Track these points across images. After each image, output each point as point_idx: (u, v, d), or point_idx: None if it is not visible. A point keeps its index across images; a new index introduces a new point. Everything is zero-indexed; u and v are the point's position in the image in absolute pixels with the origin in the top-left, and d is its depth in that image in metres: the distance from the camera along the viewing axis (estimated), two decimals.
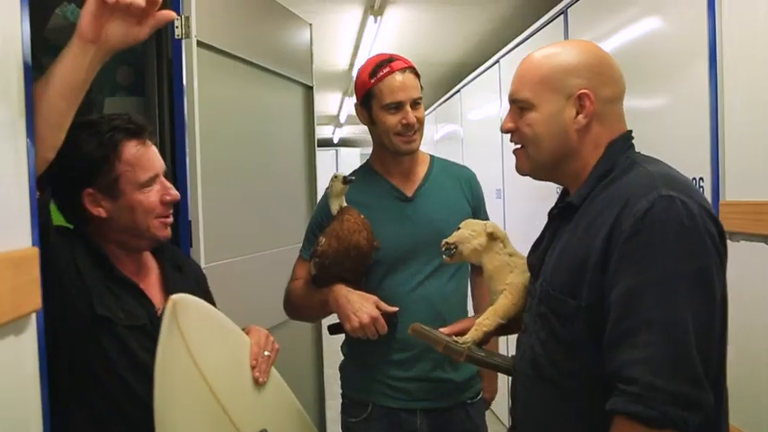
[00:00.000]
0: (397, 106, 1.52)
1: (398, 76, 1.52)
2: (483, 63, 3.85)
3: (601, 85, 1.05)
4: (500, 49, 3.48)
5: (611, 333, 0.94)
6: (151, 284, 1.29)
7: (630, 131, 1.10)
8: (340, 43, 4.32)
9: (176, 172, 1.88)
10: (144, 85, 2.07)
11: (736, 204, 1.58)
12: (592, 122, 1.05)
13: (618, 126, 1.08)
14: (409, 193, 1.60)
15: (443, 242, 1.35)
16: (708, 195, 1.67)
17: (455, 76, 5.19)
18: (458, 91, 4.63)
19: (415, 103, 1.53)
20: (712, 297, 0.94)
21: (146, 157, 1.22)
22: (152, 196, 1.22)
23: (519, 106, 1.10)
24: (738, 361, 1.57)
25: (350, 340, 1.63)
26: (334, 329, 1.53)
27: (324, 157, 10.08)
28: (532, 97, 1.07)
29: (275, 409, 1.31)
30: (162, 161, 1.27)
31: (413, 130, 1.53)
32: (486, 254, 1.33)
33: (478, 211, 1.65)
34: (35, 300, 0.82)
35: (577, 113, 1.05)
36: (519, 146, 1.13)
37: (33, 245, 0.84)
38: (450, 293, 1.57)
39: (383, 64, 1.55)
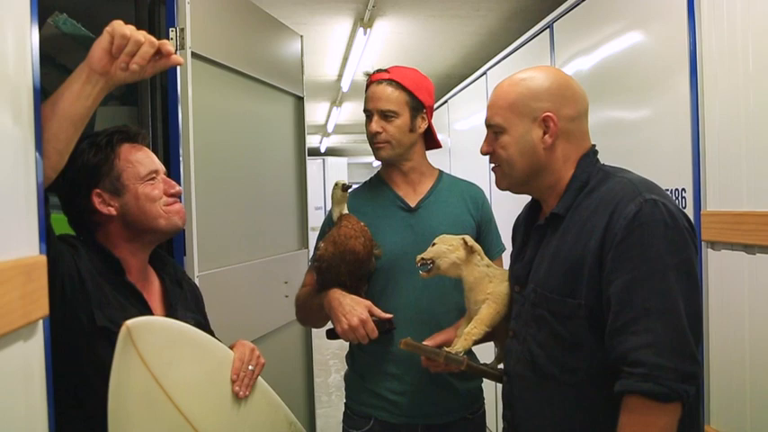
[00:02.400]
0: (368, 115, 1.59)
1: (374, 87, 1.59)
2: (470, 75, 3.90)
3: (562, 106, 1.17)
4: (487, 62, 3.53)
5: (612, 323, 1.05)
6: (153, 296, 1.32)
7: (594, 145, 1.23)
8: (329, 54, 4.37)
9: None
10: (136, 94, 2.09)
11: (716, 214, 1.62)
12: (558, 140, 1.18)
13: (584, 141, 1.21)
14: (413, 204, 1.63)
15: (419, 258, 1.39)
16: (689, 205, 1.71)
17: (443, 87, 5.25)
18: (445, 102, 4.68)
19: (384, 115, 1.57)
20: (696, 284, 1.07)
21: (142, 155, 1.29)
22: (155, 189, 1.28)
23: (493, 131, 1.22)
24: (720, 365, 1.61)
25: (352, 351, 1.66)
26: (330, 334, 1.54)
27: (311, 166, 10.08)
28: (503, 122, 1.20)
29: (263, 422, 1.30)
30: (160, 163, 1.33)
31: (376, 138, 1.58)
32: (466, 266, 1.38)
33: (487, 229, 1.67)
34: (43, 306, 0.84)
35: (544, 134, 1.17)
36: (496, 165, 1.25)
37: (41, 253, 0.87)
38: (451, 305, 1.57)
39: (371, 75, 1.63)
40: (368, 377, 1.60)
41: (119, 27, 0.99)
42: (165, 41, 1.02)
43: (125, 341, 1.07)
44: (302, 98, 2.80)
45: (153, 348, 1.11)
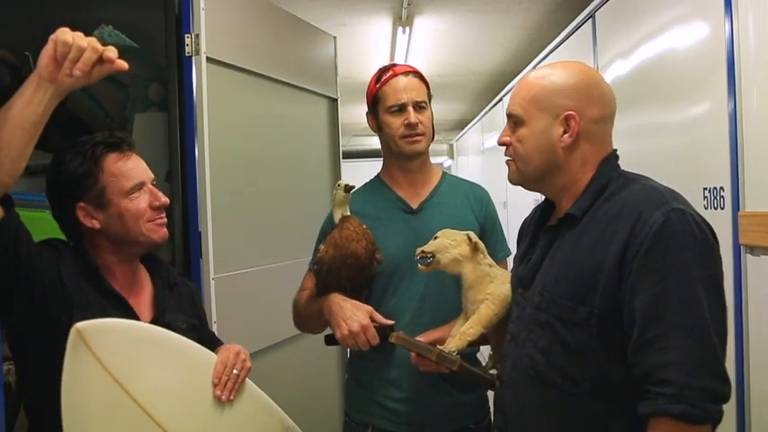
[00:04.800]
0: (400, 108, 1.53)
1: (401, 79, 1.55)
2: (522, 71, 3.78)
3: (588, 106, 1.11)
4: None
5: (638, 338, 0.98)
6: (142, 300, 1.32)
7: (615, 150, 1.16)
8: (374, 55, 4.35)
9: (187, 183, 1.93)
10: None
11: (756, 216, 1.48)
12: (579, 141, 1.11)
13: (606, 145, 1.14)
14: (415, 206, 1.58)
15: (419, 250, 1.35)
16: (728, 206, 1.58)
17: (496, 85, 5.13)
18: (500, 100, 4.57)
19: (418, 106, 1.54)
20: (723, 300, 1.02)
21: (128, 166, 1.27)
22: (141, 203, 1.27)
23: (513, 122, 1.16)
24: (760, 375, 1.49)
25: (351, 358, 1.63)
26: (329, 340, 1.51)
27: (373, 168, 10.09)
28: (523, 114, 1.14)
29: (252, 427, 1.28)
30: (148, 171, 1.32)
31: (415, 130, 1.53)
32: (468, 263, 1.33)
33: (491, 231, 1.60)
34: None
35: (564, 132, 1.11)
36: (510, 158, 1.19)
37: None
38: (453, 311, 1.49)
39: (387, 69, 1.58)
40: (366, 384, 1.56)
41: (61, 34, 1.00)
42: (108, 48, 1.03)
43: (75, 343, 1.07)
44: (336, 100, 2.79)
45: (112, 350, 1.10)
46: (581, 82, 1.12)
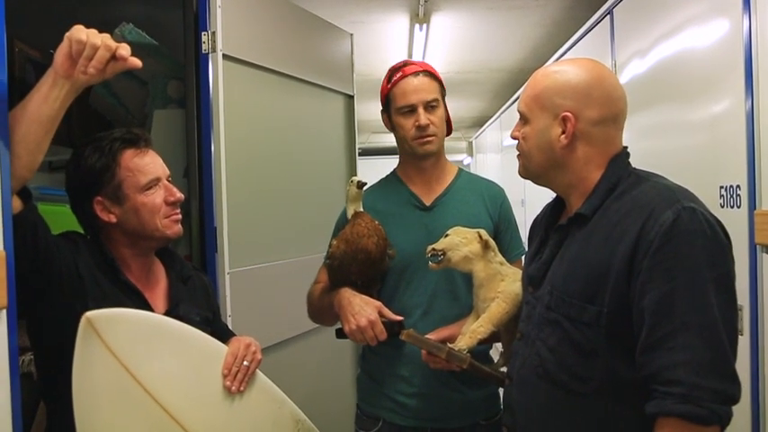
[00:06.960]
0: (411, 109, 1.53)
1: (411, 80, 1.54)
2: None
3: (587, 108, 1.10)
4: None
5: (647, 338, 0.98)
6: (157, 293, 1.35)
7: (626, 147, 1.15)
8: (392, 52, 4.35)
9: (203, 179, 1.96)
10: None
11: None
12: (577, 142, 1.11)
13: (611, 145, 1.13)
14: (428, 202, 1.59)
15: (429, 248, 1.35)
16: (744, 204, 1.56)
17: (516, 83, 5.11)
18: (519, 97, 4.53)
19: (429, 106, 1.53)
20: (734, 299, 1.00)
21: (144, 162, 1.30)
22: (156, 198, 1.29)
23: (521, 118, 1.18)
24: None
25: (364, 352, 1.64)
26: (339, 333, 1.53)
27: (392, 165, 10.10)
28: (527, 112, 1.15)
29: (263, 419, 1.29)
30: (164, 167, 1.34)
31: (426, 131, 1.53)
32: (479, 262, 1.33)
33: (506, 229, 1.60)
34: (1, 298, 0.87)
35: (562, 132, 1.11)
36: (518, 153, 1.20)
37: (5, 248, 0.90)
38: (464, 308, 1.50)
39: (398, 69, 1.58)
40: (378, 378, 1.57)
41: (76, 32, 1.03)
42: (121, 45, 1.05)
43: (86, 332, 1.08)
44: (352, 97, 2.80)
45: (122, 339, 1.11)
46: (583, 82, 1.11)
